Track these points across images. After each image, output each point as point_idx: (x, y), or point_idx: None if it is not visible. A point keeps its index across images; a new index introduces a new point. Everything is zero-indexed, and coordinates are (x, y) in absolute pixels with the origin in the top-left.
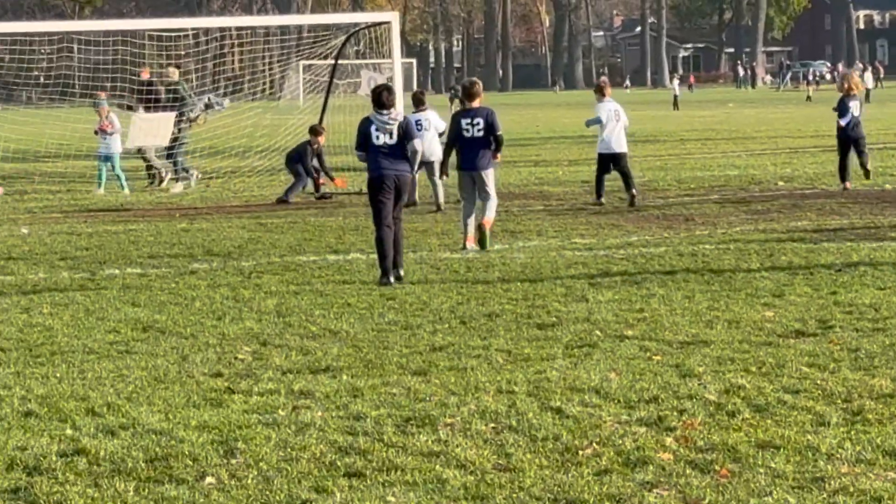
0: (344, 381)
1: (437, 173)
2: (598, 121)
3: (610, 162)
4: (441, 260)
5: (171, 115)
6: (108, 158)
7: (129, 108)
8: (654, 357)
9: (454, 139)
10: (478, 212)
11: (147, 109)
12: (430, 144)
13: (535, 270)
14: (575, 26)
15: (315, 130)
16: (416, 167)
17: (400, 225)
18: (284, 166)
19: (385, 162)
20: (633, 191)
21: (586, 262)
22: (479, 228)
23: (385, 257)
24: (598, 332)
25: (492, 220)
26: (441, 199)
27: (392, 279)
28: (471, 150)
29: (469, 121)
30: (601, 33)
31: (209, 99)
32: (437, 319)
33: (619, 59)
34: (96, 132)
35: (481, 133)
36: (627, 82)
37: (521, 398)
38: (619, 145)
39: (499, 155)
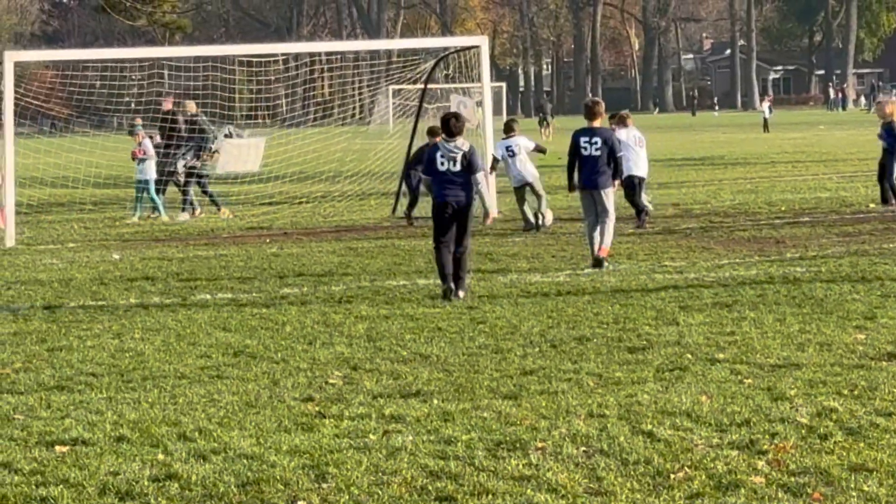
0: (435, 405)
1: (538, 191)
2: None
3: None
4: (531, 283)
5: (261, 141)
6: (143, 184)
7: (151, 137)
8: (745, 380)
9: (573, 156)
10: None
11: (168, 140)
12: (524, 166)
13: (626, 294)
14: (664, 49)
15: (433, 131)
16: (483, 197)
17: (464, 252)
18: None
19: (447, 188)
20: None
21: (677, 285)
22: (596, 259)
23: (443, 268)
24: (689, 356)
25: (608, 246)
26: (545, 220)
27: (451, 285)
28: (589, 168)
29: (588, 139)
30: (691, 56)
31: (229, 131)
32: (528, 343)
33: (708, 82)
34: (133, 158)
35: (599, 152)
36: (716, 106)
37: (612, 422)
38: (640, 169)
39: (617, 182)
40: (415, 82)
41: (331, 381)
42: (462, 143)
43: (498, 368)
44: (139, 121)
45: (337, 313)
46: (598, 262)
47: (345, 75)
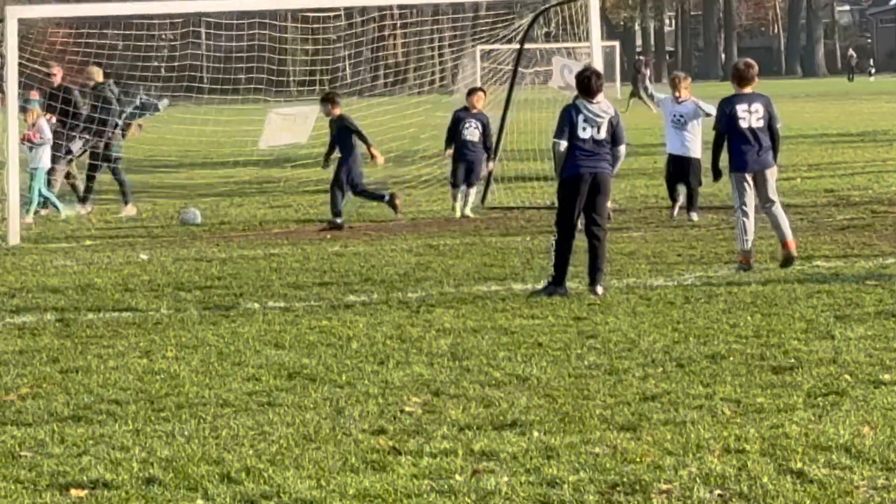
0: (535, 438)
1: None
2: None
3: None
4: (652, 289)
5: (313, 110)
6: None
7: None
8: None
9: (725, 131)
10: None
11: (62, 120)
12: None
13: (769, 301)
14: (815, 0)
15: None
16: (614, 172)
17: (603, 235)
18: None
19: (586, 159)
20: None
21: (832, 290)
22: (786, 256)
23: (562, 264)
24: (847, 377)
25: (792, 237)
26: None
27: (566, 291)
28: (750, 143)
29: (746, 107)
30: (847, 8)
31: (141, 100)
32: (649, 362)
33: (868, 40)
34: (22, 140)
35: (761, 122)
36: (871, 69)
37: (753, 458)
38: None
39: (774, 167)
40: (509, 42)
41: (407, 409)
42: (607, 107)
43: (612, 393)
44: (35, 94)
45: (414, 326)
46: (788, 260)
47: (422, 33)
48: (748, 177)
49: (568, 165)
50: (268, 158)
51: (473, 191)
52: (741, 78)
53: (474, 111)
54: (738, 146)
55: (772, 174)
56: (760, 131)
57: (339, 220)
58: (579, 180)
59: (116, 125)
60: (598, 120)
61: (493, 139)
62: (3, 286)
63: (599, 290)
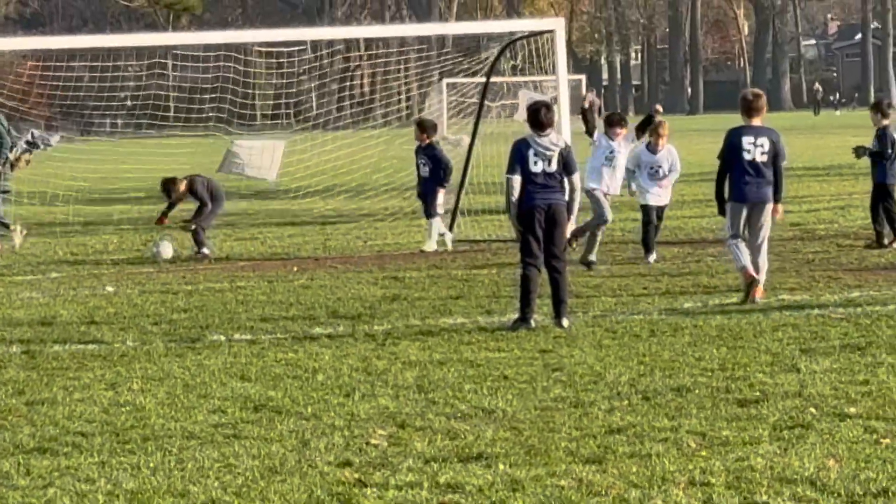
0: (500, 471)
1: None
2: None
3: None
4: (618, 321)
5: (279, 144)
6: None
7: None
8: (882, 440)
9: (730, 162)
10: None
11: None
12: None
13: (735, 334)
14: (780, 34)
15: (423, 125)
16: (576, 207)
17: (563, 267)
18: None
19: (540, 192)
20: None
21: (797, 323)
22: (751, 299)
23: (528, 298)
24: (812, 410)
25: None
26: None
27: (533, 323)
28: (752, 176)
29: (752, 139)
30: (813, 42)
31: (32, 135)
32: (615, 395)
33: (834, 74)
34: None
35: (765, 157)
36: (838, 103)
37: (718, 491)
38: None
39: (780, 207)
40: (474, 75)
41: (373, 441)
42: (557, 139)
43: (578, 426)
44: None
45: (380, 358)
46: (751, 300)
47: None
48: (745, 208)
49: (523, 199)
50: (244, 193)
51: (434, 223)
52: (749, 108)
53: (424, 145)
54: (738, 177)
55: (768, 211)
56: (764, 165)
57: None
58: (534, 213)
59: (6, 159)
60: (548, 153)
61: (448, 165)
62: None
63: (565, 322)
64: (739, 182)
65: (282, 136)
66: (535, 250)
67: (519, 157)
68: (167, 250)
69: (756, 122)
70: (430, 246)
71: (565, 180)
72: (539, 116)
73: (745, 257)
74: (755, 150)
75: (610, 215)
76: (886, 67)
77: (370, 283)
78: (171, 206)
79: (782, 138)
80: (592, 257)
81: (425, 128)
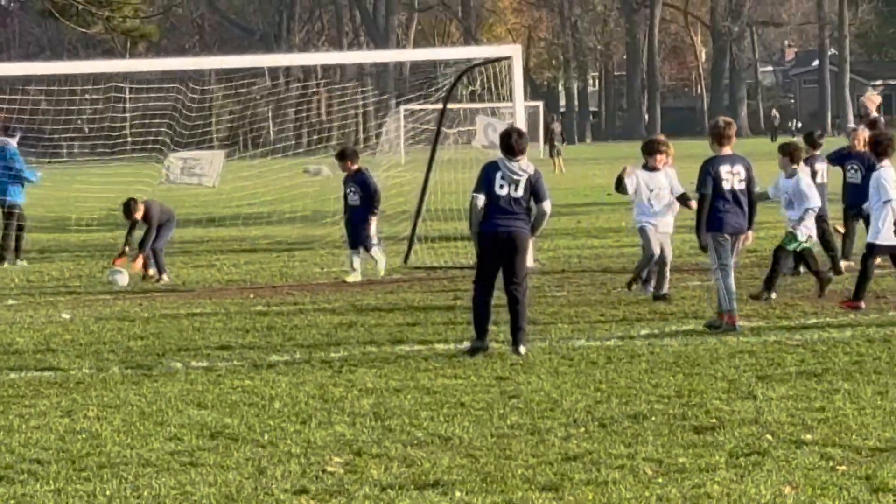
0: (457, 498)
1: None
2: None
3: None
4: (575, 349)
5: (219, 154)
6: None
7: None
8: (838, 467)
9: (708, 192)
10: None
11: None
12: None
13: (691, 361)
14: (738, 60)
15: (344, 154)
16: (539, 229)
17: (522, 294)
18: None
19: (502, 217)
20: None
21: (754, 350)
22: (722, 325)
23: (482, 319)
24: (768, 437)
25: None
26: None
27: (486, 344)
28: (733, 205)
29: (729, 168)
30: (770, 69)
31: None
32: (571, 422)
33: (792, 100)
34: None
35: (743, 184)
36: (794, 128)
37: None
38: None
39: (751, 233)
40: (432, 101)
41: (329, 468)
42: (527, 165)
43: (535, 453)
44: None
45: (337, 385)
46: (717, 327)
47: (346, 93)
48: (727, 236)
49: (484, 223)
50: (199, 217)
51: (373, 252)
52: (721, 137)
53: (352, 173)
54: (719, 207)
55: (744, 240)
56: (741, 193)
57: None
58: (495, 237)
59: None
60: (516, 177)
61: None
62: None
63: (522, 349)
64: (720, 212)
65: (236, 161)
66: (488, 275)
67: (486, 178)
68: (123, 279)
69: (728, 150)
70: (356, 277)
71: (532, 207)
72: (510, 141)
73: (734, 299)
74: (733, 178)
75: (657, 250)
76: (843, 94)
77: (327, 310)
78: (130, 232)
79: (753, 166)
80: (665, 290)
81: (347, 156)
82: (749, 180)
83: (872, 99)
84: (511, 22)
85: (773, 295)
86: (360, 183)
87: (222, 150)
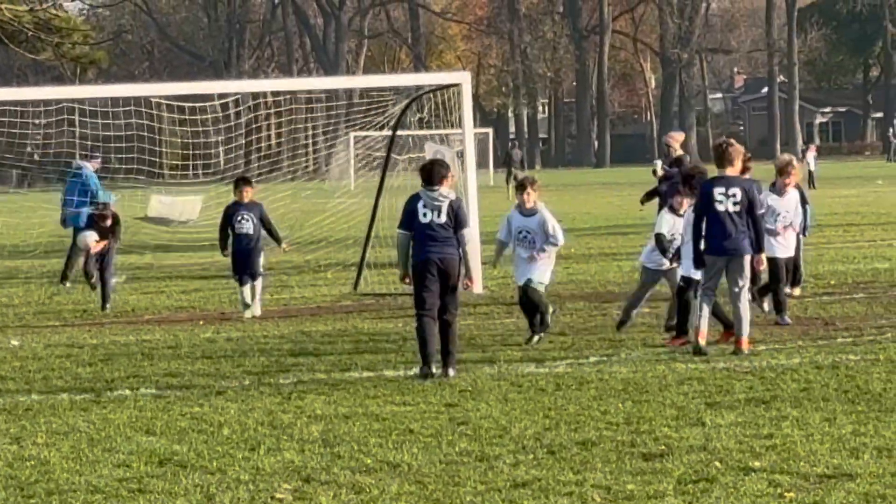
0: None
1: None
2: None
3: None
4: (524, 375)
5: (196, 198)
6: None
7: None
8: (786, 493)
9: (703, 216)
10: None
11: None
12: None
13: (640, 388)
14: (687, 87)
15: (241, 182)
16: (468, 258)
17: (453, 318)
18: None
19: (431, 244)
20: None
21: (702, 377)
22: (735, 349)
23: (426, 345)
24: (717, 464)
25: (747, 335)
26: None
27: (434, 369)
28: (726, 227)
29: (723, 190)
30: (719, 95)
31: None
32: (520, 449)
33: (741, 127)
34: None
35: (738, 207)
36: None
37: None
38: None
39: (762, 257)
40: (381, 128)
41: (278, 495)
42: (447, 192)
43: (483, 480)
44: None
45: (286, 412)
46: (735, 352)
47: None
48: (721, 260)
49: (415, 252)
50: (147, 244)
51: (259, 284)
52: (721, 158)
53: (245, 203)
54: (713, 229)
55: (747, 262)
56: (738, 216)
57: None
58: (427, 264)
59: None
60: (437, 203)
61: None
62: None
63: (451, 372)
64: (714, 234)
65: (191, 191)
66: (428, 302)
67: (410, 211)
68: (92, 237)
69: (730, 171)
70: (257, 310)
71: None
72: (431, 172)
73: (704, 318)
74: (727, 200)
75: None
76: (793, 120)
77: (276, 336)
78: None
79: (756, 187)
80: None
81: (249, 182)
82: (750, 203)
83: (675, 137)
84: (461, 49)
85: (766, 306)
86: (259, 213)
87: (200, 196)
